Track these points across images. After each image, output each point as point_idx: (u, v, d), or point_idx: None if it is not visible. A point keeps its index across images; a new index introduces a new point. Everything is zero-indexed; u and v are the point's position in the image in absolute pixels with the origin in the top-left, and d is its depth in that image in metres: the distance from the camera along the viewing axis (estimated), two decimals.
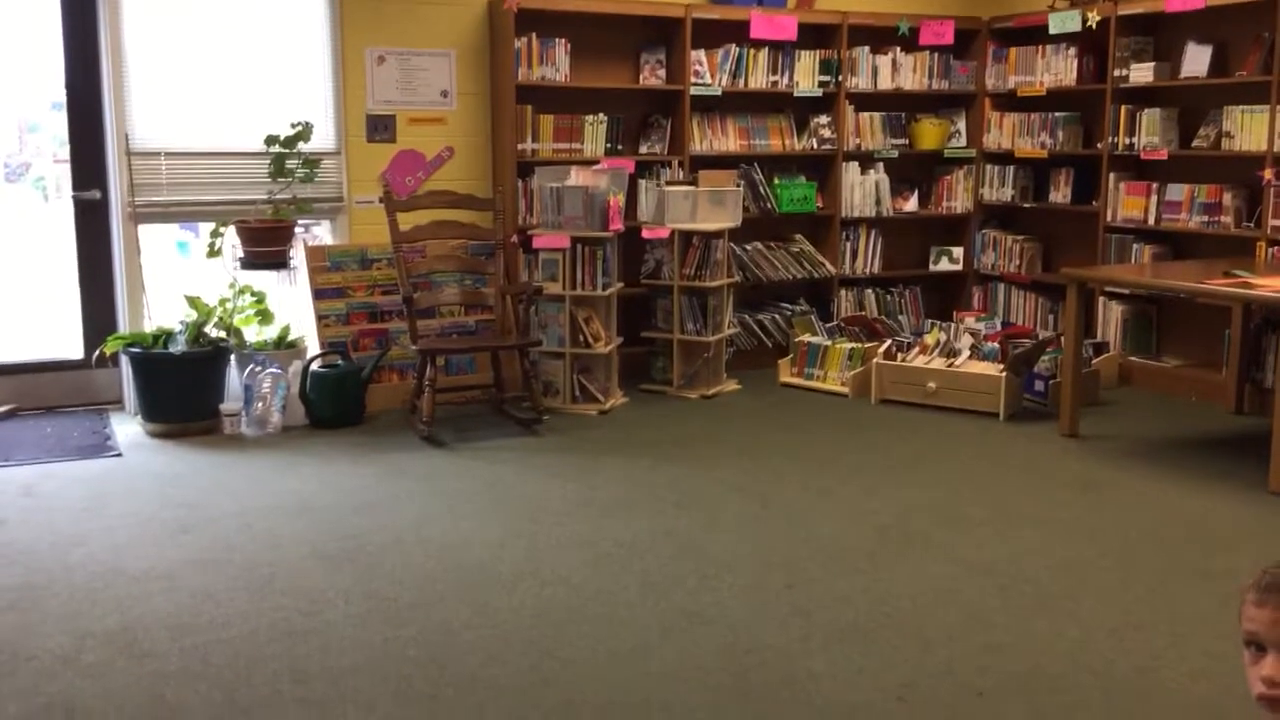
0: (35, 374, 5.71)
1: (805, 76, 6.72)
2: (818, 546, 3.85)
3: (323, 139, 5.87)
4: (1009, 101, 7.09)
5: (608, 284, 5.72)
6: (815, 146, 6.84)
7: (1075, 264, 5.91)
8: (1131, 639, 3.15)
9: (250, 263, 5.53)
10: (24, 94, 7.36)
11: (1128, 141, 6.29)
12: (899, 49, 6.95)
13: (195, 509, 4.24)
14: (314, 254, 5.82)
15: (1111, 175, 6.39)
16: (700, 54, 6.43)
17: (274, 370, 5.31)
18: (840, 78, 6.77)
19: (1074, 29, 6.40)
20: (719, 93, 6.49)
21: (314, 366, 5.45)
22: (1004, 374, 5.61)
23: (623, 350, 5.96)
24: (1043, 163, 6.91)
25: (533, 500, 4.35)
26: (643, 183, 6.34)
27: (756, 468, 4.78)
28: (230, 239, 5.52)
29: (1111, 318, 6.47)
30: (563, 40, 6.14)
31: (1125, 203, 6.35)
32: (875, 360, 5.94)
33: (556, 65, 6.15)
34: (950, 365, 5.82)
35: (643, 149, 6.51)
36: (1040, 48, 6.77)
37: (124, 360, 5.47)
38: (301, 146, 5.58)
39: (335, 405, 5.40)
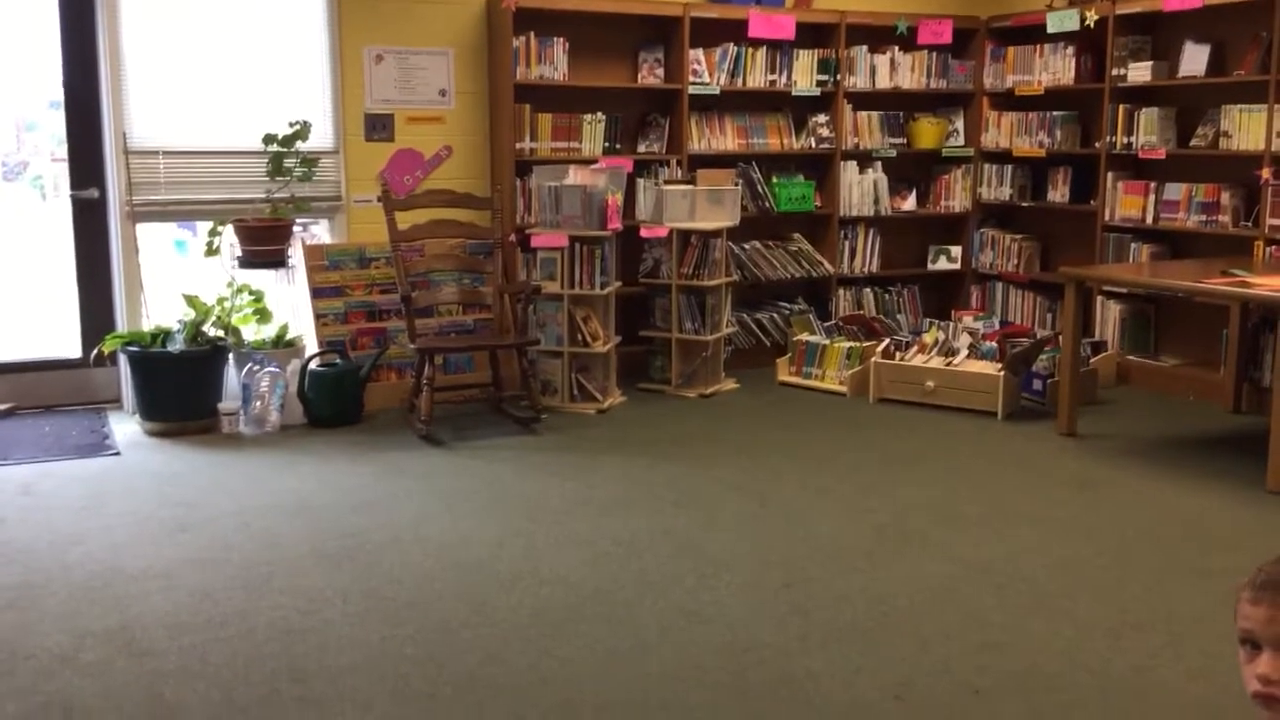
0: (33, 373, 5.71)
1: (803, 76, 6.72)
2: (816, 545, 3.86)
3: (321, 138, 5.88)
4: (1007, 101, 7.09)
5: (606, 283, 5.72)
6: (813, 146, 6.84)
7: (1073, 263, 5.91)
8: (1129, 638, 3.15)
9: (248, 262, 5.54)
10: (22, 92, 7.36)
11: (1126, 141, 6.29)
12: (897, 48, 6.95)
13: (193, 508, 4.24)
14: (312, 253, 5.82)
15: (1109, 174, 6.40)
16: (698, 53, 6.43)
17: (272, 369, 5.31)
18: (838, 77, 6.77)
19: (1072, 28, 6.40)
20: (717, 92, 6.49)
21: (312, 365, 5.45)
22: (1002, 373, 5.61)
23: (621, 349, 5.96)
24: (1041, 162, 6.92)
25: (531, 499, 4.35)
26: (641, 182, 6.35)
27: (755, 466, 4.78)
28: (228, 238, 5.52)
29: (1109, 317, 6.47)
30: (561, 39, 6.14)
31: (1123, 202, 6.35)
32: (873, 359, 5.95)
33: (555, 64, 6.15)
34: (948, 364, 5.83)
35: (641, 148, 6.51)
36: (1038, 47, 6.77)
37: (122, 359, 5.47)
38: (300, 145, 5.59)
39: (333, 404, 5.40)
